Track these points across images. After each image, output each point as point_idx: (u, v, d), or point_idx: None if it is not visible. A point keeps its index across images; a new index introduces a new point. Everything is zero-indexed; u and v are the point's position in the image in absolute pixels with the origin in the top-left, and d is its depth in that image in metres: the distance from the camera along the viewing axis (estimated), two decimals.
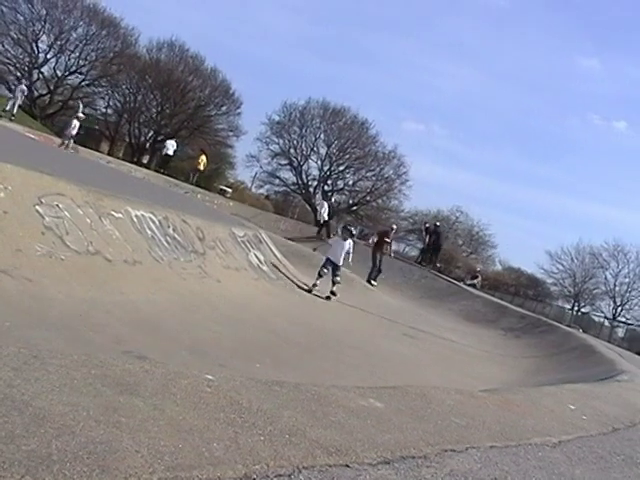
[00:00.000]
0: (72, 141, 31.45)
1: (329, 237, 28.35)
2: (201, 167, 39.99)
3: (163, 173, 38.31)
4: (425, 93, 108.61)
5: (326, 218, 33.74)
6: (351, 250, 15.85)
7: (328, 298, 14.91)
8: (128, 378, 3.36)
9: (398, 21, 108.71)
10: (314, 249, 24.92)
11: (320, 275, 15.13)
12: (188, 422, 2.98)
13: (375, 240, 26.77)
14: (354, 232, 16.73)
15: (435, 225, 36.33)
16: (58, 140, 32.22)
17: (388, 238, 26.80)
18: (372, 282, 23.97)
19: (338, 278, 15.43)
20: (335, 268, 15.48)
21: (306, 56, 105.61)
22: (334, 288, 15.24)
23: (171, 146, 40.45)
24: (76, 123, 31.41)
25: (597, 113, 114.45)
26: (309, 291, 14.64)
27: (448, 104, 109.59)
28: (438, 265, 35.49)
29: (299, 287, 14.33)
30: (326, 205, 34.48)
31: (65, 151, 28.08)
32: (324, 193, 32.51)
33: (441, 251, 36.25)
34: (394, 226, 30.83)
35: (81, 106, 35.78)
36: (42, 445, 2.30)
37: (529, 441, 4.63)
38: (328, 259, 15.65)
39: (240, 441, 2.94)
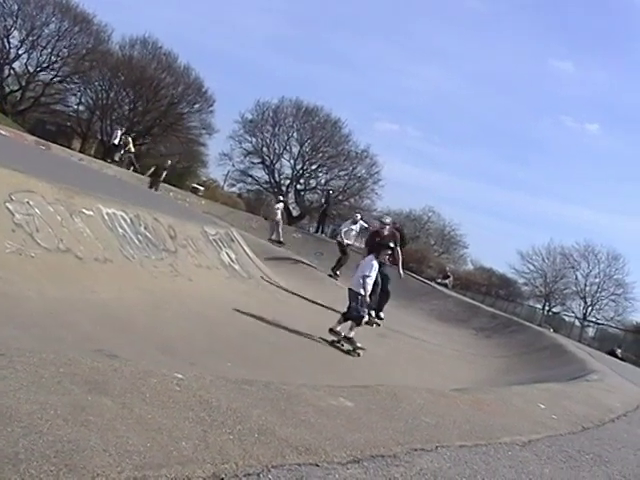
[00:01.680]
0: None
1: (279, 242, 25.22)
2: (132, 149, 39.65)
3: (106, 161, 37.99)
4: (399, 94, 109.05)
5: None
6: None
7: (355, 353, 10.45)
8: (97, 376, 3.34)
9: (373, 23, 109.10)
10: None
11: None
12: (157, 421, 2.97)
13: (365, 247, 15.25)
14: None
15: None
16: (31, 138, 32.37)
17: (379, 237, 14.29)
18: (379, 315, 15.62)
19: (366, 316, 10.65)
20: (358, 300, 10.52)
21: (280, 55, 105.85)
22: (354, 332, 10.53)
23: (119, 136, 40.32)
24: None
25: (570, 115, 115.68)
26: (334, 343, 10.55)
27: (422, 105, 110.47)
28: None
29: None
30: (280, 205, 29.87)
31: None
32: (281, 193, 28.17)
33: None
34: (387, 219, 16.08)
35: None
36: (9, 444, 2.28)
37: (499, 440, 4.66)
38: (357, 294, 10.47)
39: (209, 440, 2.94)
